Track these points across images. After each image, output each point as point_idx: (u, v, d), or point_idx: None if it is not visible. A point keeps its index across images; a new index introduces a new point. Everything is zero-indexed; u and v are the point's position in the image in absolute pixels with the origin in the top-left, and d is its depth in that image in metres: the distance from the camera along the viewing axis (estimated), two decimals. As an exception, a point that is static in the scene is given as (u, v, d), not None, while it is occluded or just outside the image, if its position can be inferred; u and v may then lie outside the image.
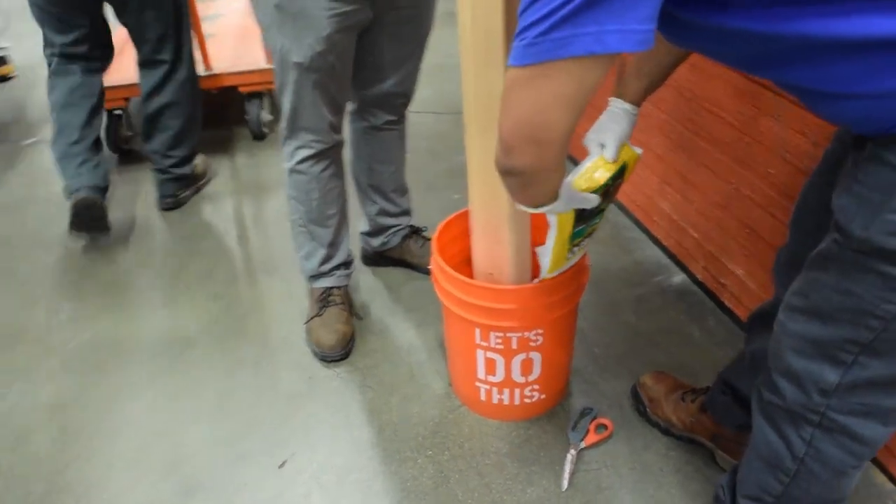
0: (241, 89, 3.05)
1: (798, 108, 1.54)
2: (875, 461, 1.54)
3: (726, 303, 1.97)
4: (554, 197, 1.09)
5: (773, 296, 1.36)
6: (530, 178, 0.99)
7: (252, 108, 3.09)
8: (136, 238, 2.50)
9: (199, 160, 2.80)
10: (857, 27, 0.76)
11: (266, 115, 3.14)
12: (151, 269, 2.33)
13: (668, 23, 0.85)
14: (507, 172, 0.99)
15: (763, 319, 1.41)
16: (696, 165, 1.94)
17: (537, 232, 1.54)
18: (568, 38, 0.78)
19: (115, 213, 2.57)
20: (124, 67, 2.88)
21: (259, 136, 3.15)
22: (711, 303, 2.03)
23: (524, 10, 0.81)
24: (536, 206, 1.12)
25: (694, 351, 1.88)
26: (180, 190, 2.69)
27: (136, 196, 2.76)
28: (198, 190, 2.79)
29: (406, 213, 2.17)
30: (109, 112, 2.96)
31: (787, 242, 1.29)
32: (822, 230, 1.14)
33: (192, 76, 2.61)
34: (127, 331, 2.06)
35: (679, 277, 2.14)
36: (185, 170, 2.67)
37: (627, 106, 1.24)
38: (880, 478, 1.52)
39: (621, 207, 2.45)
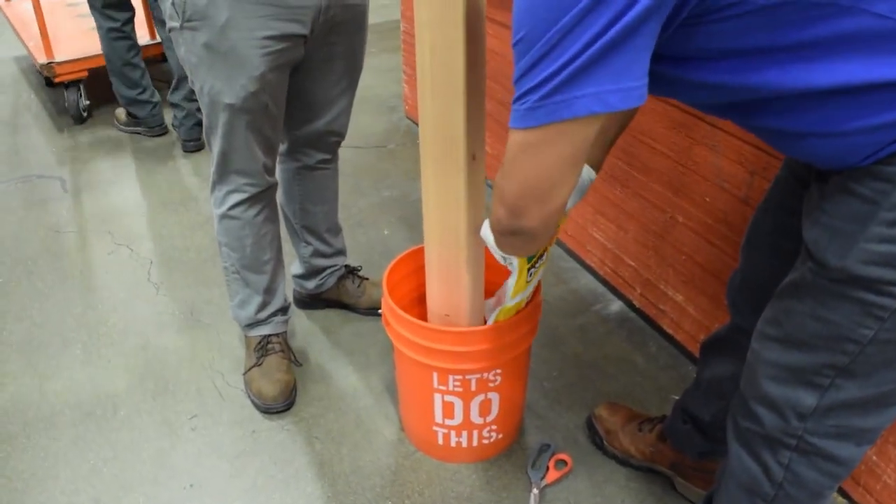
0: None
1: (734, 138, 1.60)
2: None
3: (666, 328, 2.00)
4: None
5: (726, 321, 1.39)
6: (538, 236, 1.01)
7: None
8: (45, 285, 2.32)
9: None
10: (825, 76, 0.79)
11: None
12: (63, 323, 2.16)
13: None
14: (513, 233, 1.01)
15: (717, 346, 1.43)
16: (631, 195, 1.98)
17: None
18: (569, 100, 0.80)
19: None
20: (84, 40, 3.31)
21: None
22: (651, 329, 2.06)
23: (521, 77, 0.83)
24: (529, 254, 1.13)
25: (640, 378, 1.90)
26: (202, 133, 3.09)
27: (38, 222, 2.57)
28: None
29: (341, 252, 2.11)
30: (71, 84, 3.25)
31: (740, 267, 1.31)
32: (776, 253, 1.17)
33: None
34: (41, 394, 1.89)
35: (616, 305, 2.17)
36: None
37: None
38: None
39: (552, 238, 2.47)
